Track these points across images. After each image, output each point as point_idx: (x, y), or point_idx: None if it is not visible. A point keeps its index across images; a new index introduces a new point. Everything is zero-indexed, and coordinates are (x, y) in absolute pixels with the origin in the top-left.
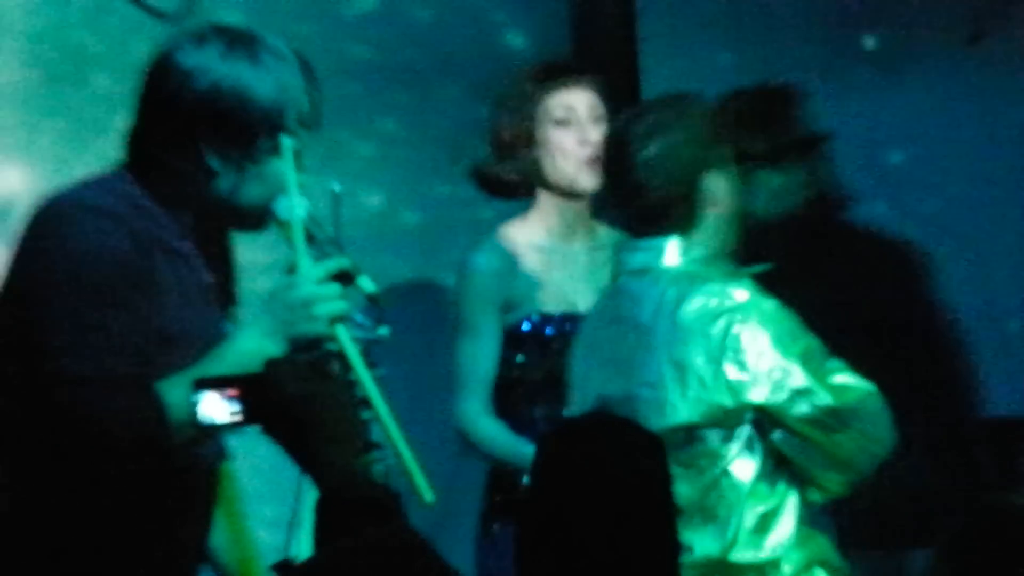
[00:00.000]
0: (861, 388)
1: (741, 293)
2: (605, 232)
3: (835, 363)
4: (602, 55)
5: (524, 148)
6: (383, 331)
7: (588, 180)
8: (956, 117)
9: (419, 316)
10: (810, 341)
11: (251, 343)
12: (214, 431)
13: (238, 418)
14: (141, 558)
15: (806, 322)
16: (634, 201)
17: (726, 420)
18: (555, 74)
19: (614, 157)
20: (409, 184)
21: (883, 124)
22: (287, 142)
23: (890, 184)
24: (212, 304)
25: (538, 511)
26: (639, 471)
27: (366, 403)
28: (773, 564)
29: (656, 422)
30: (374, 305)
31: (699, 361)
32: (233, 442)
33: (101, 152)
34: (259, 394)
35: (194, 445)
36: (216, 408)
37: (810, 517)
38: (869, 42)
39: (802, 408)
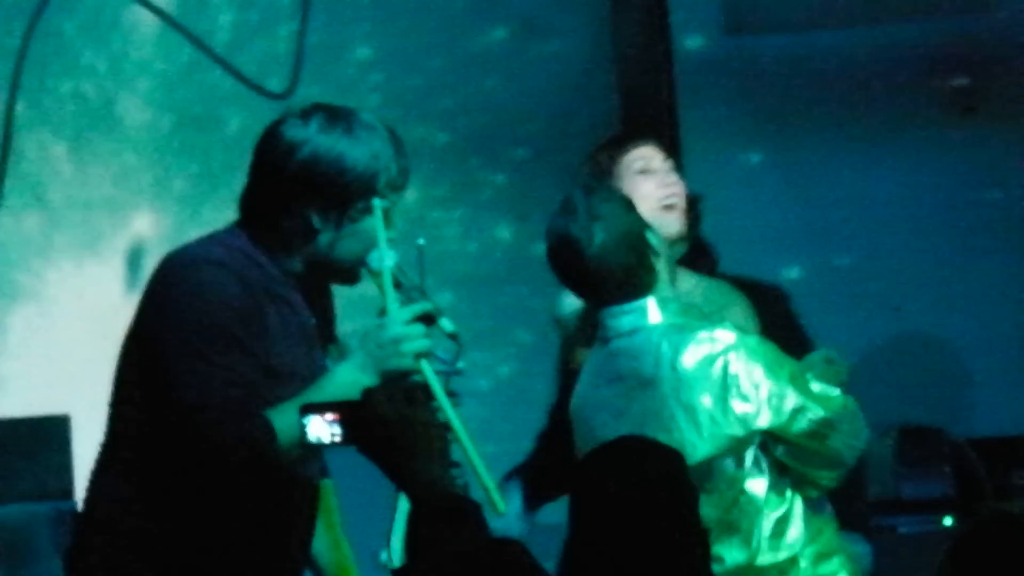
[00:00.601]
0: (839, 395)
1: (727, 334)
2: (687, 279)
3: (811, 376)
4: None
5: None
6: (461, 365)
7: (670, 224)
8: (947, 182)
9: (549, 345)
10: (791, 363)
11: (348, 376)
12: (318, 449)
13: (338, 439)
14: (255, 560)
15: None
16: (600, 286)
17: (739, 447)
18: (629, 136)
19: (567, 257)
20: (540, 214)
21: (882, 190)
22: (378, 203)
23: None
24: (314, 343)
25: (581, 532)
26: (669, 484)
27: (447, 427)
28: (792, 561)
29: None
30: (454, 342)
31: (707, 401)
32: (333, 461)
33: (231, 194)
34: (357, 417)
35: (300, 464)
36: (320, 429)
37: (813, 508)
38: (870, 116)
39: (800, 423)
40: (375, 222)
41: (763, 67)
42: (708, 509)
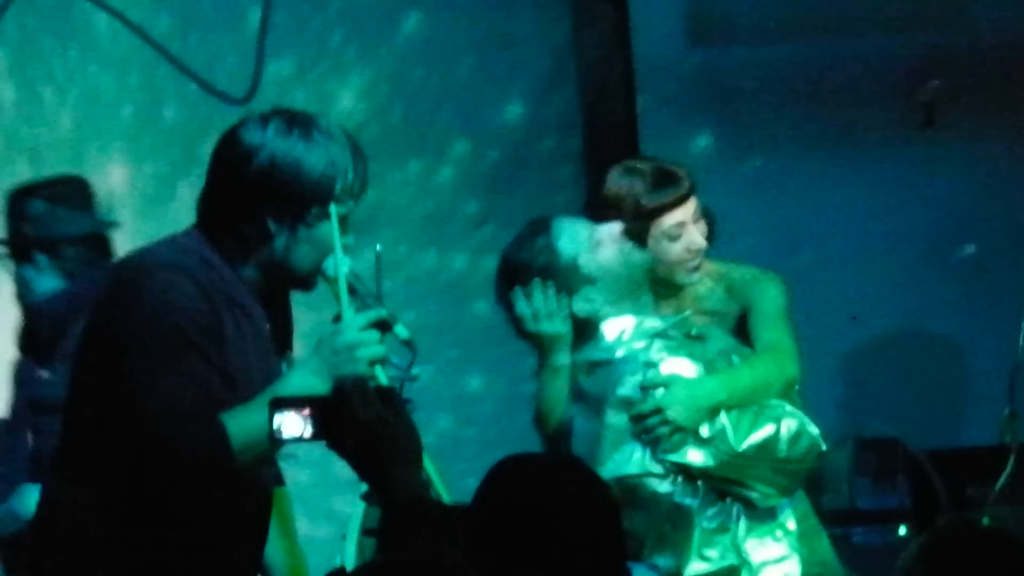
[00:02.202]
0: (767, 422)
1: (657, 359)
2: (707, 276)
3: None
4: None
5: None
6: (416, 371)
7: (689, 277)
8: (907, 194)
9: None
10: (719, 392)
11: (301, 380)
12: (274, 451)
13: (309, 434)
14: (208, 566)
15: None
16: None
17: (654, 471)
18: (669, 192)
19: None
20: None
21: (843, 200)
22: (335, 209)
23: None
24: (270, 351)
25: (484, 538)
26: (586, 506)
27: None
28: (731, 570)
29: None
30: (408, 349)
31: (620, 424)
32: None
33: None
34: (330, 414)
35: (253, 470)
36: (293, 425)
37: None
38: (831, 127)
39: (708, 460)
40: (331, 229)
41: (725, 78)
42: (639, 523)
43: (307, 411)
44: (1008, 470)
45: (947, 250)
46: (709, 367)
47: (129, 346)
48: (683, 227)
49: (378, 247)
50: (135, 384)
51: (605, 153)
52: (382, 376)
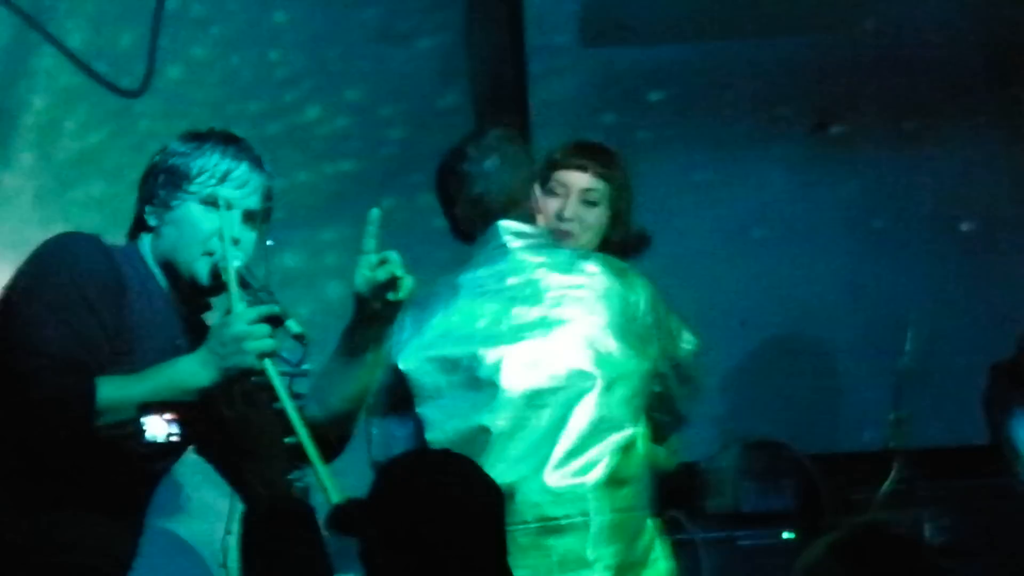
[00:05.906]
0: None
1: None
2: None
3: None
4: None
5: None
6: (307, 367)
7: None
8: (797, 199)
9: None
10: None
11: (188, 366)
12: (157, 448)
13: (176, 438)
14: (79, 539)
15: None
16: (476, 208)
17: None
18: (579, 155)
19: (457, 172)
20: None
21: (732, 203)
22: (222, 198)
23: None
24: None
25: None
26: (473, 506)
27: (290, 429)
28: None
29: None
30: (300, 344)
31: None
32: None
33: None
34: (195, 417)
35: (129, 440)
36: (158, 428)
37: None
38: (723, 130)
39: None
40: (192, 212)
41: (618, 78)
42: None
43: (173, 415)
44: (893, 475)
45: (834, 255)
46: None
47: (23, 291)
48: (567, 190)
49: (269, 242)
50: (17, 324)
51: None
52: (271, 370)
